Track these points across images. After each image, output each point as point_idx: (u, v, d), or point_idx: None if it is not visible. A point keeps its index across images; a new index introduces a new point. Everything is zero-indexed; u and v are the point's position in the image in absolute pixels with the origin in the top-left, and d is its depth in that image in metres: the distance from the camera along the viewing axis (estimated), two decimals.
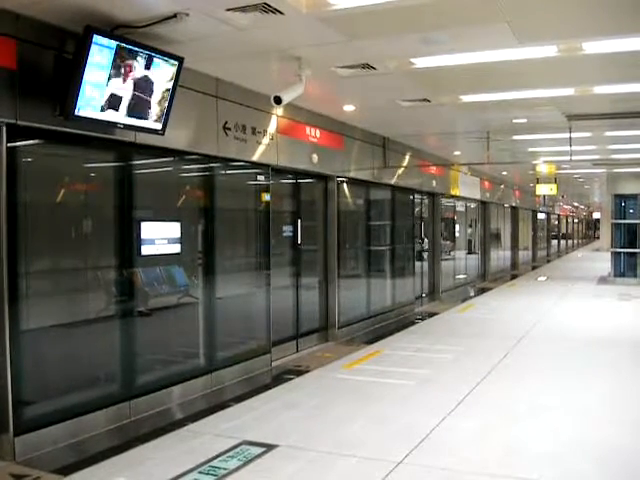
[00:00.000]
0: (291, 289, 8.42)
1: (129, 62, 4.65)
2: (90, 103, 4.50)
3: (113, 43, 4.48)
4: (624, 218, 16.56)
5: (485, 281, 18.31)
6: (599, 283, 16.75)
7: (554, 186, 17.10)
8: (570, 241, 44.63)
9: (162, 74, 4.99)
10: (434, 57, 5.74)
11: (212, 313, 6.56)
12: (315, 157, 8.40)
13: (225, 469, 4.04)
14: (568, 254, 35.68)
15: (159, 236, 5.85)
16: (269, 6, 4.28)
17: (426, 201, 13.87)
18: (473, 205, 17.76)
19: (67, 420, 4.81)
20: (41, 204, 4.90)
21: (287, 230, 8.36)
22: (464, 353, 7.62)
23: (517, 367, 6.91)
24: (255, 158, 7.13)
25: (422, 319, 11.24)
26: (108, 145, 5.26)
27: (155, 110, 5.08)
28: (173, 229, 6.05)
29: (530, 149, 12.64)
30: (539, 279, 18.65)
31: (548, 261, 28.77)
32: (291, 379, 6.77)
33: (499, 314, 11.23)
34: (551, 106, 7.90)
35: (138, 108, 4.90)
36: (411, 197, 12.41)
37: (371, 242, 10.71)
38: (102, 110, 4.61)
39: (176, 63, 5.05)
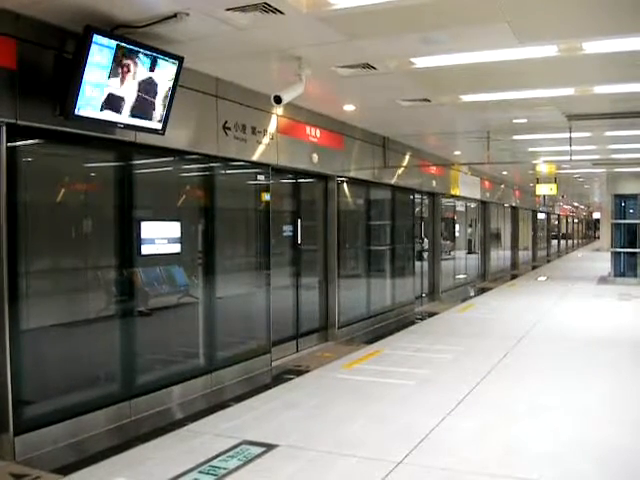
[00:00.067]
0: (291, 289, 8.42)
1: (129, 62, 4.65)
2: (90, 103, 4.50)
3: (113, 43, 4.49)
4: (624, 218, 16.57)
5: (485, 281, 18.31)
6: (599, 283, 16.75)
7: (554, 186, 17.10)
8: (570, 241, 44.65)
9: (162, 74, 4.99)
10: (434, 57, 5.74)
11: (212, 313, 6.56)
12: (315, 157, 8.40)
13: (225, 469, 4.04)
14: (568, 254, 35.69)
15: (159, 236, 5.85)
16: (269, 6, 4.28)
17: (426, 201, 13.87)
18: (473, 205, 17.76)
19: (67, 420, 4.81)
20: (41, 204, 4.90)
21: (287, 230, 8.36)
22: (464, 353, 7.62)
23: (517, 367, 6.91)
24: (255, 158, 7.13)
25: (422, 319, 11.24)
26: (108, 145, 5.26)
27: (155, 110, 5.08)
28: (173, 229, 6.05)
29: (530, 149, 12.65)
30: (539, 279, 18.65)
31: (548, 261, 28.77)
32: (291, 379, 6.77)
33: (499, 314, 11.23)
34: (551, 106, 7.90)
35: (137, 108, 4.90)
36: (411, 197, 12.41)
37: (371, 242, 10.71)
38: (102, 110, 4.61)
39: (176, 63, 5.06)
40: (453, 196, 15.26)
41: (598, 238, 46.13)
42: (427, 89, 7.22)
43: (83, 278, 5.40)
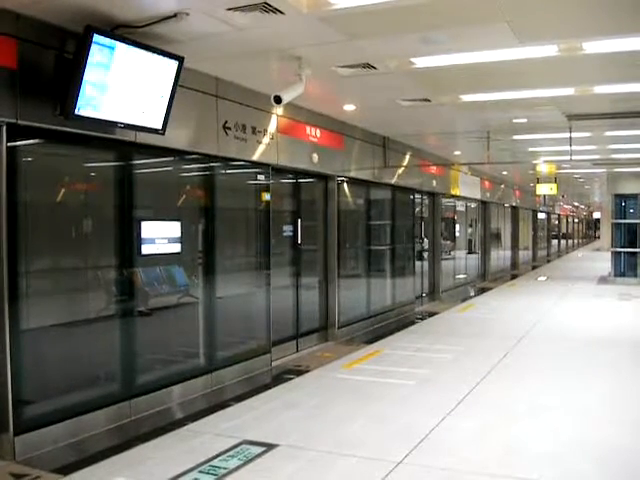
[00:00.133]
0: (291, 289, 8.42)
1: (129, 62, 4.65)
2: (90, 103, 4.50)
3: (113, 43, 4.49)
4: (624, 218, 16.57)
5: (485, 281, 18.31)
6: (599, 283, 16.75)
7: (554, 186, 17.09)
8: (570, 241, 44.63)
9: (162, 74, 4.99)
10: (434, 57, 5.74)
11: (212, 313, 6.56)
12: (315, 157, 8.40)
13: (225, 468, 4.05)
14: (568, 254, 35.68)
15: (159, 235, 5.85)
16: (269, 6, 4.28)
17: (426, 201, 13.87)
18: (473, 205, 17.76)
19: (67, 419, 4.81)
20: (41, 203, 4.91)
21: (287, 230, 8.36)
22: (464, 353, 7.62)
23: (517, 367, 6.91)
24: (255, 157, 7.13)
25: (422, 319, 11.24)
26: (108, 145, 5.26)
27: (155, 110, 5.08)
28: (173, 229, 6.05)
29: (530, 149, 12.64)
30: (539, 279, 18.65)
31: (548, 261, 28.77)
32: (291, 379, 6.77)
33: (499, 314, 11.23)
34: (551, 106, 7.90)
35: (137, 108, 4.90)
36: (411, 197, 12.41)
37: (371, 242, 10.71)
38: (102, 110, 4.60)
39: (176, 62, 5.06)
40: (453, 196, 15.26)
41: (598, 238, 46.13)
42: (427, 89, 7.22)
43: (83, 278, 5.40)
